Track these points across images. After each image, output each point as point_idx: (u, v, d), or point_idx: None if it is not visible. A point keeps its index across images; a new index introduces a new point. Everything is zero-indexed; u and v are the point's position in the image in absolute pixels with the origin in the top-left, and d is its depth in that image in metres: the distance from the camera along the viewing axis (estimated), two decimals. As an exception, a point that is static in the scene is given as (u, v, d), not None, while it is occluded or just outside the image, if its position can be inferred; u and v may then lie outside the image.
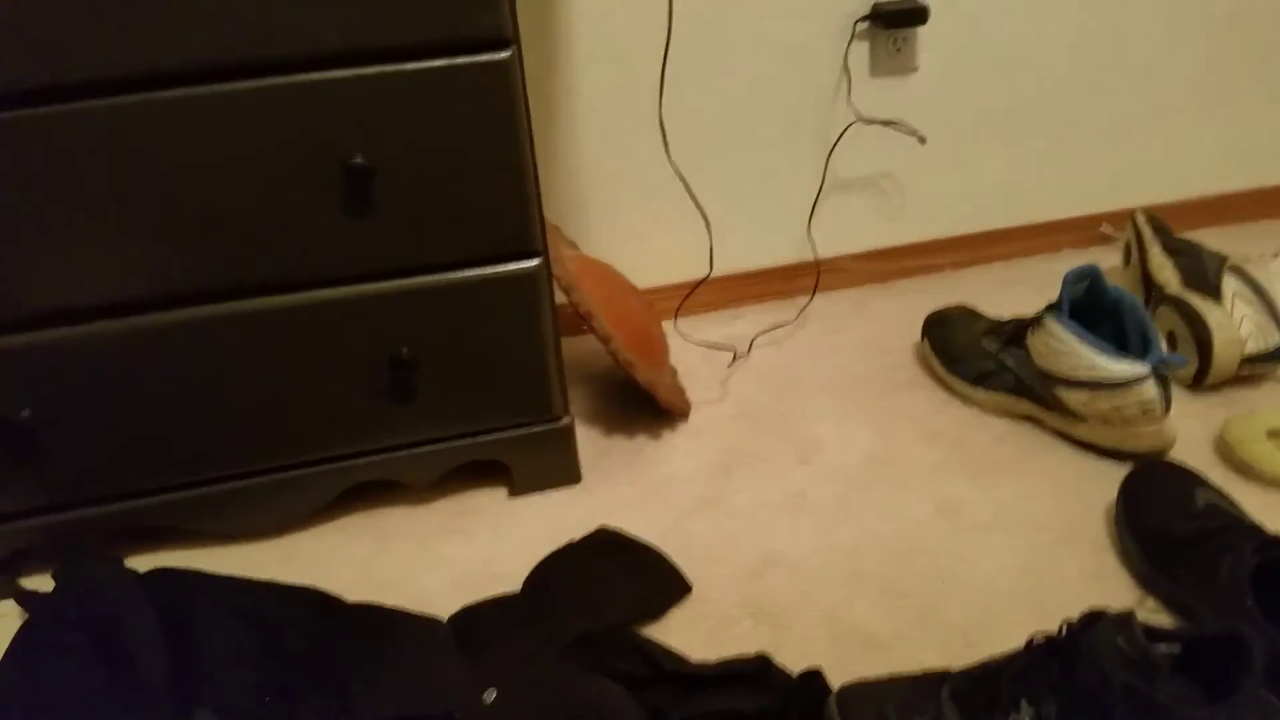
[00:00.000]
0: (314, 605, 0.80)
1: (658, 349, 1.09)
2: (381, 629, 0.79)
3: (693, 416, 1.09)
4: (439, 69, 0.78)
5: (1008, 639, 0.76)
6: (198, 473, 0.90)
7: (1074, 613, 0.75)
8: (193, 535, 0.94)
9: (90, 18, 0.72)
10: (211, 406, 0.87)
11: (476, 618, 0.80)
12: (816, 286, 1.31)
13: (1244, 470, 0.92)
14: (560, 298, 0.98)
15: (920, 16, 1.18)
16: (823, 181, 1.27)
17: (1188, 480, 0.84)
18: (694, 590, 0.84)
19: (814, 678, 0.70)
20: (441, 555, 0.91)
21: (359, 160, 0.79)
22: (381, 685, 0.73)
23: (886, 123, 1.25)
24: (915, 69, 1.24)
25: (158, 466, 0.89)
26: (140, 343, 0.83)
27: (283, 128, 0.78)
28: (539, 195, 0.86)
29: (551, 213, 1.23)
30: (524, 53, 0.94)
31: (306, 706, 0.71)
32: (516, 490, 0.97)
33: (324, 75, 0.77)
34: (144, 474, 0.89)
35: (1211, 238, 1.36)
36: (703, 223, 1.23)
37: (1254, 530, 0.74)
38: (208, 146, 0.77)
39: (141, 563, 0.90)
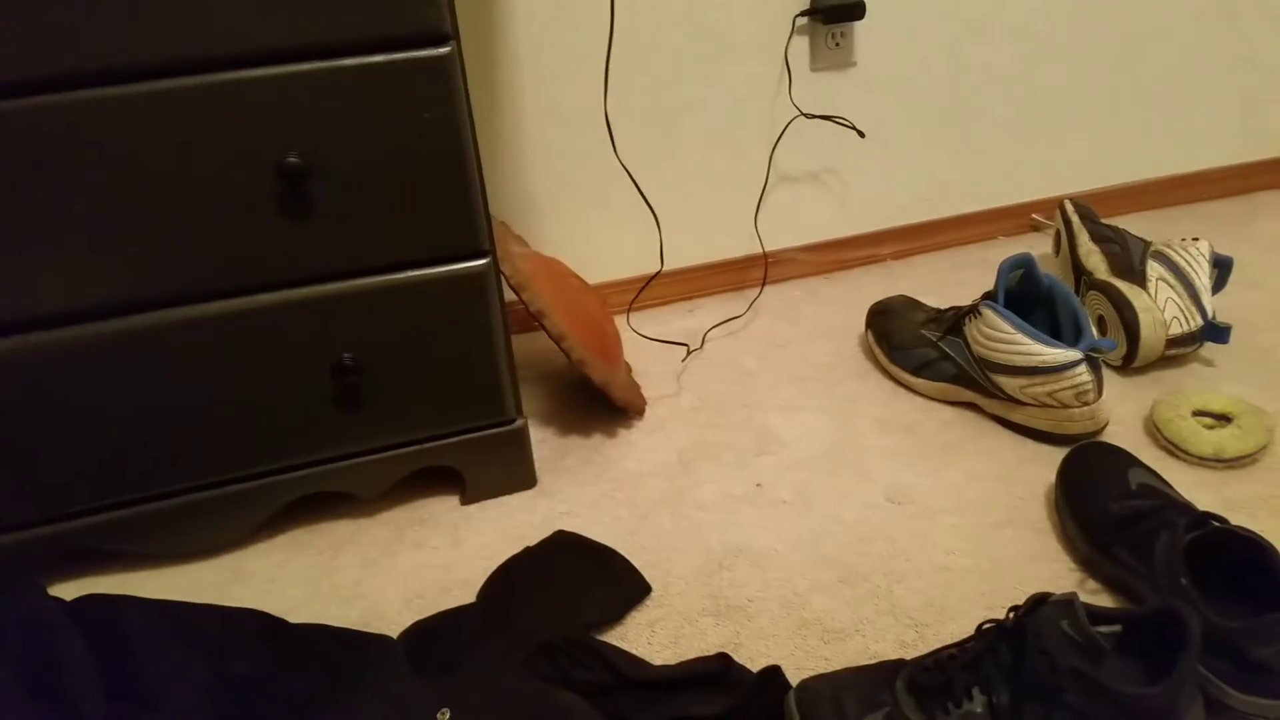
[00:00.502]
0: (257, 628, 0.77)
1: (612, 346, 1.09)
2: (330, 650, 0.76)
3: (649, 413, 1.10)
4: (377, 65, 0.77)
5: (961, 620, 0.78)
6: (131, 490, 0.86)
7: (1021, 595, 0.78)
8: (127, 557, 0.90)
9: (9, 15, 0.69)
10: (146, 420, 0.84)
11: (430, 633, 0.79)
12: (765, 279, 1.33)
13: (1172, 448, 0.95)
14: (510, 296, 0.97)
15: (858, 11, 1.20)
16: (767, 175, 1.29)
17: (1121, 461, 0.87)
18: (658, 587, 0.84)
19: (773, 674, 0.71)
20: (394, 568, 0.89)
21: (293, 159, 0.77)
22: (332, 710, 0.70)
23: (827, 117, 1.27)
24: (854, 63, 1.26)
25: (87, 485, 0.85)
26: (65, 356, 0.80)
27: (218, 127, 0.76)
28: (484, 193, 0.85)
29: (499, 210, 1.22)
30: (466, 49, 0.92)
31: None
32: (470, 497, 0.96)
33: (259, 73, 0.75)
34: (71, 494, 0.85)
35: (1136, 223, 1.42)
36: (652, 218, 1.23)
37: (1185, 508, 0.78)
38: (139, 147, 0.75)
39: (69, 589, 0.87)
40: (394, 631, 0.80)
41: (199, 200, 0.78)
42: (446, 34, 0.78)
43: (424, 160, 0.81)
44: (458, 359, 0.90)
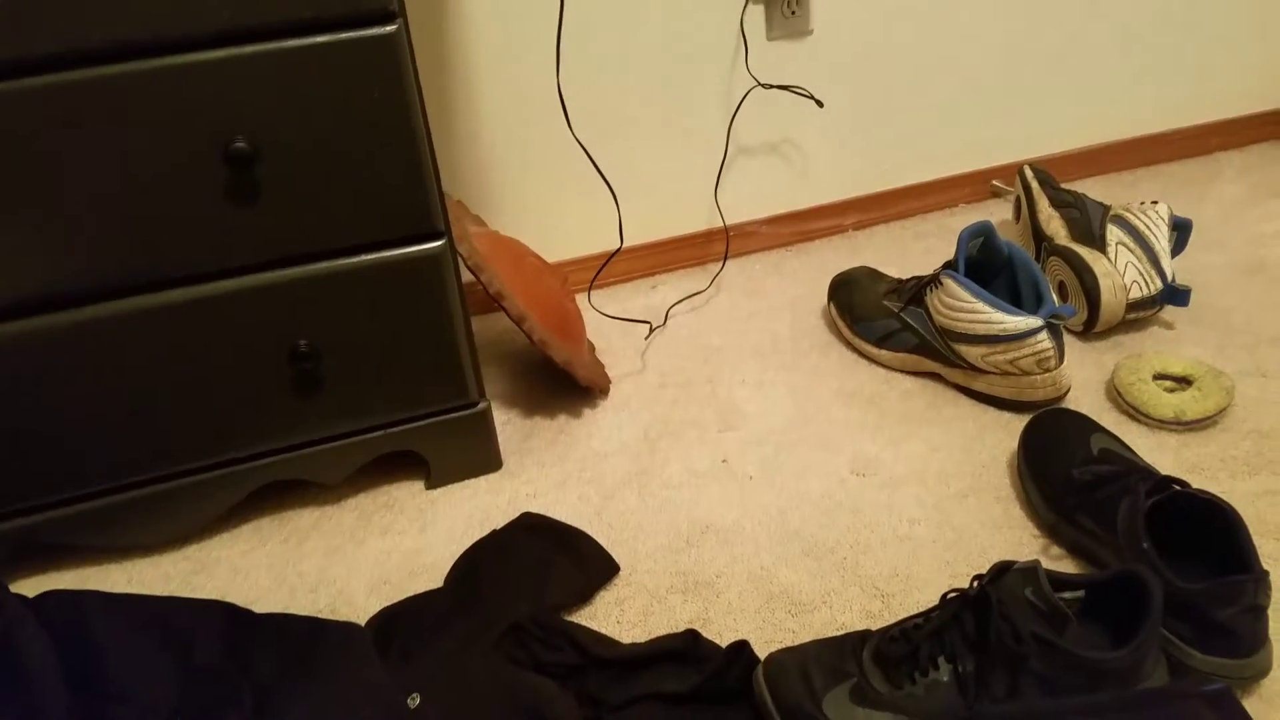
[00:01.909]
0: (222, 618, 0.77)
1: (574, 325, 1.08)
2: (296, 638, 0.76)
3: (614, 391, 1.09)
4: (322, 45, 0.75)
5: (926, 589, 0.79)
6: (90, 484, 0.85)
7: (985, 563, 0.79)
8: (89, 551, 0.89)
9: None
10: (102, 413, 0.82)
11: (398, 618, 0.78)
12: (727, 253, 1.32)
13: (1133, 412, 0.96)
14: (469, 277, 0.95)
15: (814, -22, 1.18)
16: (726, 148, 1.27)
17: (1083, 427, 0.88)
18: (626, 565, 0.84)
19: (741, 649, 0.71)
20: (360, 554, 0.89)
21: (241, 144, 0.75)
22: (299, 697, 0.70)
23: (784, 87, 1.26)
24: (810, 31, 1.24)
25: (44, 480, 0.83)
26: (15, 350, 0.78)
27: (161, 114, 0.74)
28: (437, 174, 0.83)
29: (455, 190, 1.19)
30: (414, 26, 0.89)
31: (223, 723, 0.69)
32: (435, 481, 0.95)
33: (202, 56, 0.73)
34: (28, 489, 0.83)
35: (1095, 187, 1.43)
36: (610, 194, 1.22)
37: (1147, 473, 0.78)
38: (83, 136, 0.73)
39: (30, 585, 0.86)
40: (361, 618, 0.80)
41: (146, 189, 0.75)
42: (392, 11, 0.76)
43: (374, 141, 0.79)
44: (417, 342, 0.88)
